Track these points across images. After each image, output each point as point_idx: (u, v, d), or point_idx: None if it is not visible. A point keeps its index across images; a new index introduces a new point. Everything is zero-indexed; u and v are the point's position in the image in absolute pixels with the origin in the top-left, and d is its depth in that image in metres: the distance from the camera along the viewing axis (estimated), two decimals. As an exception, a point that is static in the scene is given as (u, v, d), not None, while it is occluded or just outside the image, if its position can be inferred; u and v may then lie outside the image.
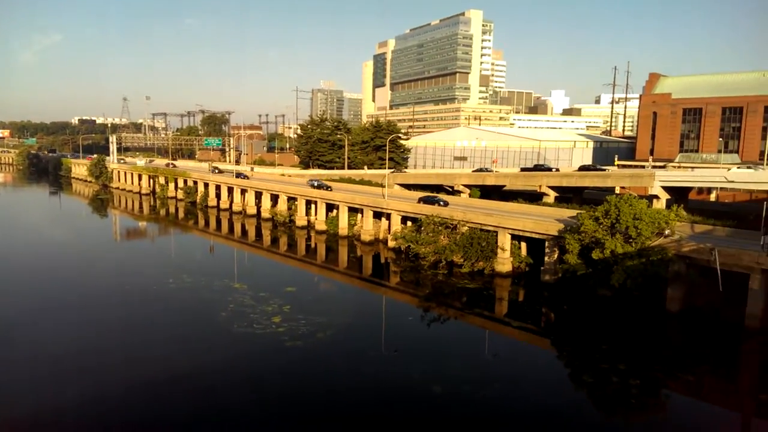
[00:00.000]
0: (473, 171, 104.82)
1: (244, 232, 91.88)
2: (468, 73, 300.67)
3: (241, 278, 60.44)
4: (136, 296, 53.18)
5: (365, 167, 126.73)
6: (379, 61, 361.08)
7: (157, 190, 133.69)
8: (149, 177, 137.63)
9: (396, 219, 74.91)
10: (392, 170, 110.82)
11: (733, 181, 71.19)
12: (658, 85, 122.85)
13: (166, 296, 53.53)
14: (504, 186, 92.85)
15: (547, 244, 57.33)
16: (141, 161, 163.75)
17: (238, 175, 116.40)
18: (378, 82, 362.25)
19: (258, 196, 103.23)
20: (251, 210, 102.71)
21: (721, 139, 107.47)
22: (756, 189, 77.99)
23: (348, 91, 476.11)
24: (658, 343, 43.24)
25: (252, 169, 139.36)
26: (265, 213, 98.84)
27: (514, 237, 61.40)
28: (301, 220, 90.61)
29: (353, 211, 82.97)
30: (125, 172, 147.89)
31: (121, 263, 69.81)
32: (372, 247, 76.47)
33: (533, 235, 59.17)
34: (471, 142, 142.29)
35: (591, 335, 44.98)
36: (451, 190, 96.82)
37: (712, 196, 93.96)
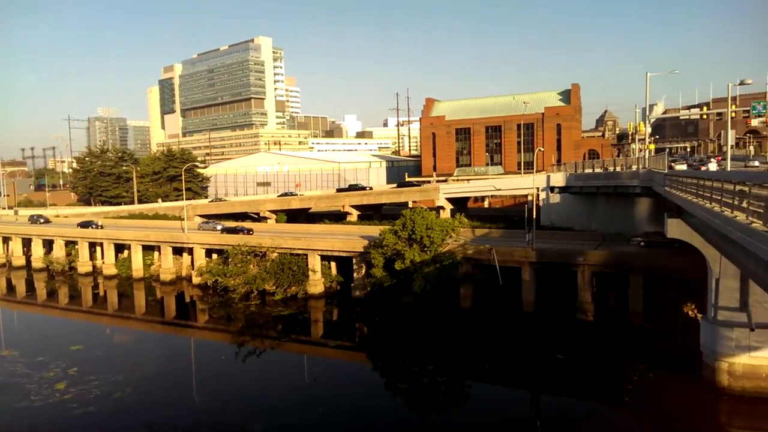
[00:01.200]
0: (278, 196, 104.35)
1: (11, 287, 77.53)
2: (263, 98, 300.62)
3: (10, 344, 50.73)
4: None
5: (159, 200, 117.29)
6: (166, 86, 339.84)
7: None
8: None
9: (200, 253, 70.54)
10: (191, 201, 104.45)
11: (500, 189, 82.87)
12: (434, 108, 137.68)
13: None
14: (309, 208, 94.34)
15: (354, 260, 59.59)
16: None
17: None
18: (167, 109, 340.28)
19: (26, 243, 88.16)
20: (18, 261, 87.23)
21: (487, 153, 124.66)
22: (518, 194, 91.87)
23: (132, 118, 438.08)
24: (456, 340, 47.70)
25: (16, 213, 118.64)
26: (38, 262, 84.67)
27: (323, 258, 62.51)
28: (84, 266, 79.54)
29: (149, 249, 75.91)
30: None
31: None
32: (174, 287, 70.67)
33: (341, 254, 61.01)
34: (273, 167, 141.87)
35: (401, 342, 47.76)
36: (257, 216, 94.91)
37: (486, 203, 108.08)
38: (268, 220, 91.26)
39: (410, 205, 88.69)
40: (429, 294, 51.10)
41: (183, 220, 79.81)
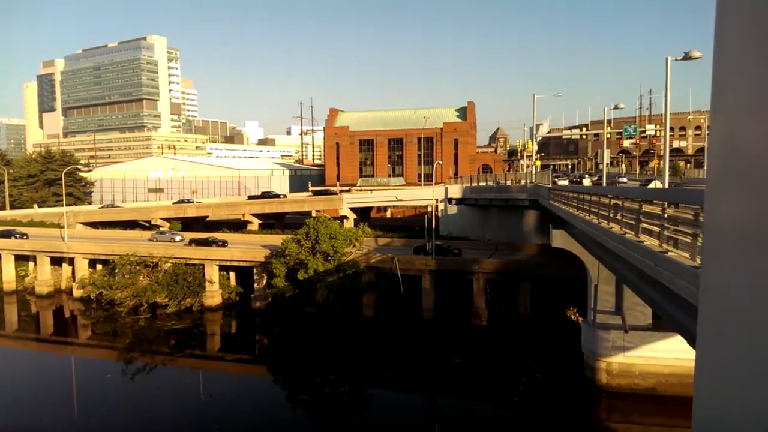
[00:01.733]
0: (173, 203, 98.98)
1: None
2: (156, 100, 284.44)
3: None
4: None
5: (35, 206, 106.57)
6: (45, 82, 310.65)
7: None
8: None
9: (82, 263, 64.91)
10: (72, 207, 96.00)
11: (402, 200, 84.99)
12: (337, 118, 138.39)
13: None
14: (207, 217, 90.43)
15: (255, 270, 58.02)
16: None
17: None
18: (46, 107, 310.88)
19: None
20: None
21: (389, 164, 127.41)
22: (418, 205, 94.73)
23: (5, 115, 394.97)
24: (359, 348, 48.03)
25: None
26: None
27: (222, 268, 60.16)
28: (-59, 279, 70.21)
29: (23, 259, 68.67)
30: None
31: None
32: (52, 301, 64.45)
33: (241, 264, 59.15)
34: (167, 172, 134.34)
35: (303, 353, 47.14)
36: (148, 225, 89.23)
37: (388, 213, 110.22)
38: (161, 229, 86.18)
39: (314, 214, 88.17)
40: (332, 303, 51.03)
41: (63, 227, 73.07)
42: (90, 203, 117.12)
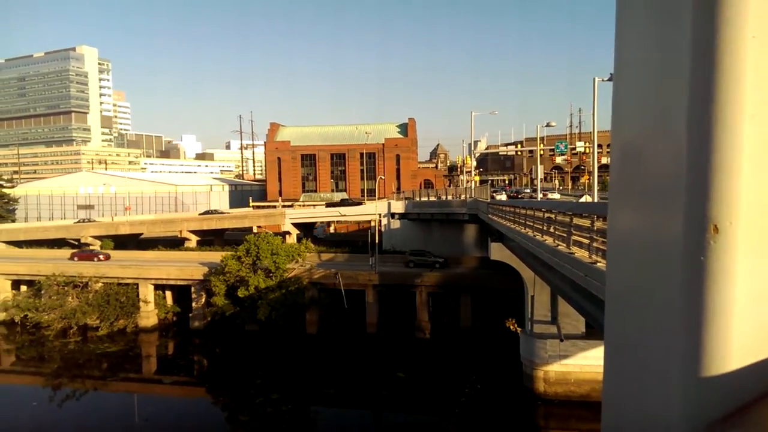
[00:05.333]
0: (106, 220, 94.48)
1: None
2: (86, 113, 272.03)
3: None
4: None
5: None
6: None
7: None
8: None
9: (5, 284, 60.71)
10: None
11: (345, 215, 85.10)
12: (278, 133, 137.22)
13: None
14: (141, 234, 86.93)
15: (193, 289, 56.27)
16: None
17: None
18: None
19: None
20: None
21: (333, 180, 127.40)
22: (362, 220, 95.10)
23: None
24: (302, 366, 47.41)
25: None
26: None
27: (157, 287, 57.93)
28: None
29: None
30: None
31: None
32: (-32, 326, 59.76)
33: (178, 282, 57.21)
34: (98, 188, 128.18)
35: (244, 373, 46.00)
36: (77, 243, 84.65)
37: (331, 228, 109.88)
38: (91, 247, 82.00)
39: (255, 230, 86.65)
40: (274, 321, 50.21)
41: (-18, 247, 68.17)
42: (14, 221, 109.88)
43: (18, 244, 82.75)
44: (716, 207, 1.46)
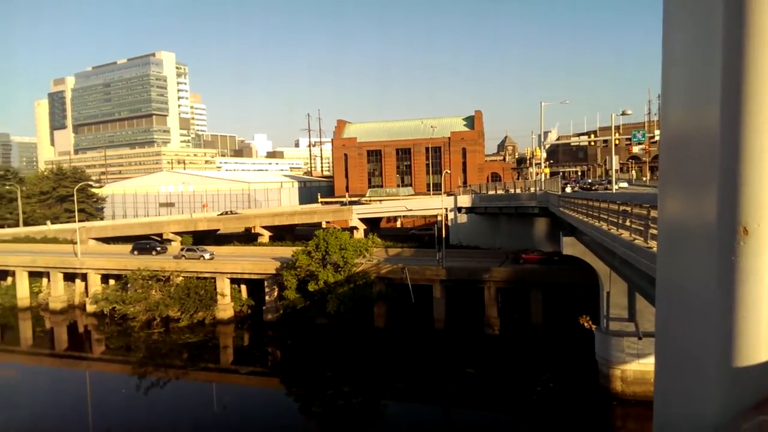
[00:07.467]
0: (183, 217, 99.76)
1: None
2: (166, 115, 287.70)
3: None
4: None
5: (48, 222, 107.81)
6: (56, 100, 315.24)
7: None
8: None
9: (95, 279, 65.56)
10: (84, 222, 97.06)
11: (411, 210, 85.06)
12: (345, 130, 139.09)
13: None
14: (218, 230, 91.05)
15: (266, 283, 58.26)
16: None
17: None
18: (57, 124, 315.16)
19: None
20: None
21: (398, 175, 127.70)
22: (428, 215, 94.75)
23: (17, 134, 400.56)
24: (371, 360, 47.99)
25: None
26: None
27: (233, 281, 60.48)
28: (-44, 296, 71.04)
29: (36, 275, 69.45)
30: None
31: None
32: (66, 316, 64.99)
33: (252, 276, 59.43)
34: (177, 187, 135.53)
35: (315, 365, 47.18)
36: (159, 240, 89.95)
37: (398, 223, 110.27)
38: (173, 243, 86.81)
39: (323, 225, 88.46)
40: (343, 314, 51.06)
41: (76, 243, 73.86)
42: (102, 218, 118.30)
43: (106, 240, 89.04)
44: (746, 209, 1.47)
